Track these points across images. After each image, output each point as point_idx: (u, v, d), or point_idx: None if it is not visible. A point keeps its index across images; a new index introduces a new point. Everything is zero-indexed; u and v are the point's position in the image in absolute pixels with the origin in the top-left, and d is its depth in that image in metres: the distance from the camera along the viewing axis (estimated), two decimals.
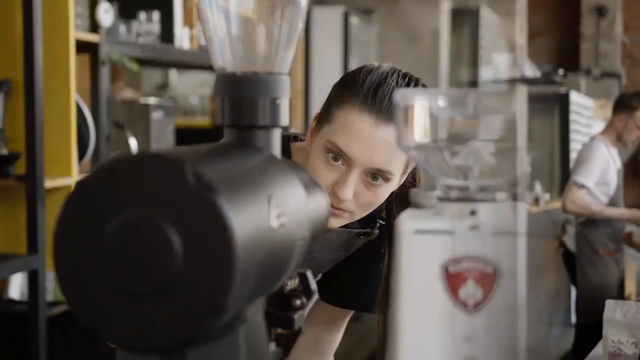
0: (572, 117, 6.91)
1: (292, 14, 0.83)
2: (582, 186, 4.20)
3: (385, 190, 1.28)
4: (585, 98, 7.51)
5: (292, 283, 0.88)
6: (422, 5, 5.38)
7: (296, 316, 0.84)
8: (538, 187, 6.45)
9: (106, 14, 2.66)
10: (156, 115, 2.98)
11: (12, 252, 2.41)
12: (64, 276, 0.63)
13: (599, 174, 4.21)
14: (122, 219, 0.61)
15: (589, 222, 4.25)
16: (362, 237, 1.42)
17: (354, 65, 6.06)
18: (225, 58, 0.83)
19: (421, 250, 0.70)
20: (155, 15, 3.03)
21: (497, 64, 5.15)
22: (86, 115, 2.58)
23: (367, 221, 1.40)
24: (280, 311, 0.85)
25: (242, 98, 0.81)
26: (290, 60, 0.85)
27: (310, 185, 0.86)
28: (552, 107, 6.85)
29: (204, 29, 0.84)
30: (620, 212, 4.36)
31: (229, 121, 0.81)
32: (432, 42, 5.53)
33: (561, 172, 6.89)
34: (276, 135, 0.83)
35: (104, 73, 2.70)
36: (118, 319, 0.62)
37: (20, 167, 2.41)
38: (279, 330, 0.86)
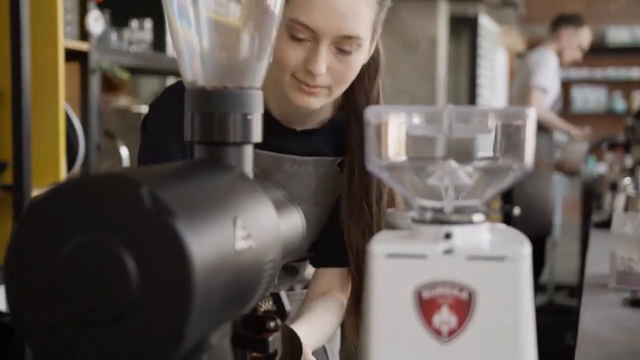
0: (480, 41, 7.02)
1: (264, 25, 0.80)
2: (543, 90, 4.31)
3: (357, 59, 1.25)
4: (492, 23, 7.61)
5: (266, 304, 0.85)
6: (420, 14, 5.36)
7: (270, 339, 0.80)
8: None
9: (96, 22, 2.63)
10: None
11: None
12: (15, 300, 0.60)
13: (552, 80, 4.34)
14: (76, 242, 0.58)
15: None
16: (338, 167, 1.39)
17: None
18: (195, 72, 0.80)
19: (394, 275, 0.67)
20: (148, 23, 3.01)
21: None
22: (75, 124, 2.55)
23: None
24: (253, 334, 0.82)
25: (212, 113, 0.78)
26: (263, 74, 0.82)
27: (283, 203, 0.83)
28: (460, 29, 6.94)
29: (173, 41, 0.81)
30: (565, 124, 4.56)
31: (198, 137, 0.79)
32: (429, 49, 5.50)
33: (468, 96, 7.02)
34: (248, 152, 0.80)
35: (94, 81, 2.67)
36: (72, 346, 0.59)
37: (7, 177, 2.38)
38: (254, 354, 0.83)
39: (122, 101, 3.77)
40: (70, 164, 2.57)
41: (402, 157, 0.72)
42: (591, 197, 4.79)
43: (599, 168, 5.61)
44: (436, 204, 0.70)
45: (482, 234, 0.69)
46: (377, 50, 1.37)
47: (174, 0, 0.79)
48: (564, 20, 4.49)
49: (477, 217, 0.69)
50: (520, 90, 4.43)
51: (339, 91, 1.28)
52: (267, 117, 1.38)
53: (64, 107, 2.48)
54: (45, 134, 2.44)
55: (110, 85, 3.45)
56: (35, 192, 2.38)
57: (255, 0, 0.81)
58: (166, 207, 0.58)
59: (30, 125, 2.33)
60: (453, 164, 0.69)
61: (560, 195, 5.84)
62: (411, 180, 0.72)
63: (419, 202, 0.71)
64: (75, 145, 2.55)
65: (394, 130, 0.70)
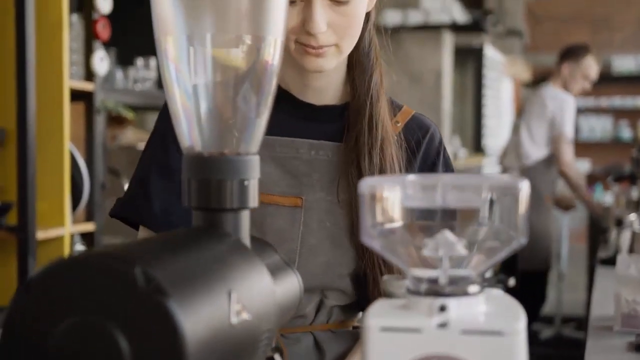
0: (485, 71, 7.05)
1: (264, 81, 0.81)
2: (570, 141, 4.35)
3: (357, 9, 1.20)
4: (497, 53, 7.65)
5: None
6: (425, 46, 5.38)
7: None
8: (457, 141, 6.46)
9: (102, 62, 2.65)
10: None
11: (3, 305, 2.37)
12: None
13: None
14: (69, 323, 0.58)
15: (537, 166, 4.37)
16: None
17: None
18: (192, 138, 0.80)
19: (389, 349, 0.66)
20: (153, 61, 3.03)
21: (426, 8, 5.21)
22: (80, 164, 2.56)
23: None
24: None
25: (209, 180, 0.78)
26: (260, 139, 0.82)
27: (280, 267, 0.83)
28: (466, 60, 6.97)
29: (170, 107, 0.82)
30: (588, 196, 4.61)
31: (195, 203, 0.79)
32: (435, 81, 5.52)
33: (474, 126, 7.04)
34: (245, 218, 0.80)
35: (99, 121, 2.69)
36: None
37: (12, 218, 2.39)
38: None
39: (129, 134, 3.78)
40: (75, 204, 2.57)
41: (397, 227, 0.72)
42: (597, 229, 4.78)
43: (607, 198, 5.60)
44: (431, 273, 0.70)
45: (477, 306, 0.69)
46: (373, 42, 1.33)
47: (171, 66, 0.79)
48: (564, 54, 4.53)
49: (472, 288, 0.69)
50: (545, 133, 4.43)
51: (348, 46, 1.22)
52: (284, 94, 1.35)
53: (69, 147, 2.49)
54: (51, 175, 2.45)
55: (116, 118, 3.47)
56: (40, 234, 2.38)
57: (254, 60, 0.81)
58: (159, 287, 0.58)
59: (36, 166, 2.34)
60: (448, 234, 0.69)
61: (567, 226, 5.83)
62: (405, 250, 0.72)
63: (413, 273, 0.71)
64: (80, 185, 2.56)
65: (388, 202, 0.70)
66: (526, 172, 4.32)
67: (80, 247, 2.73)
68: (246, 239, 0.79)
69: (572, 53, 4.52)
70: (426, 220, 0.72)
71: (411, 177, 0.72)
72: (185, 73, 0.78)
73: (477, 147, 7.22)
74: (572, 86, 4.50)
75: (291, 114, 1.31)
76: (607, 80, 9.85)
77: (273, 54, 0.80)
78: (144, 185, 1.26)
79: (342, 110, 1.33)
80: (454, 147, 6.28)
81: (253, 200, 0.80)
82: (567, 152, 4.35)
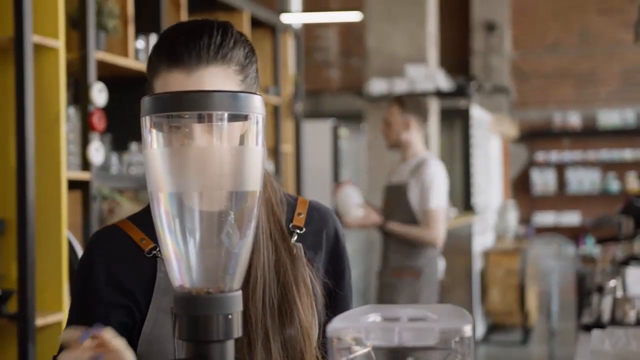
0: (472, 131, 7.17)
1: (242, 233, 0.92)
2: None
3: (235, 131, 1.17)
4: (484, 112, 7.79)
5: None
6: None
7: None
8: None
9: (97, 153, 2.77)
10: None
11: None
12: None
13: None
14: None
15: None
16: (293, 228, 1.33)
17: (344, 174, 6.21)
18: (182, 278, 0.91)
19: None
20: None
21: (411, 77, 5.30)
22: (77, 250, 2.66)
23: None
24: None
25: (197, 316, 0.89)
26: (242, 276, 0.93)
27: None
28: (452, 121, 7.10)
29: (162, 250, 0.93)
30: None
31: (185, 337, 0.90)
32: None
33: (463, 185, 7.15)
34: (230, 347, 0.90)
35: (95, 208, 2.80)
36: None
37: (12, 305, 2.48)
38: None
39: (125, 208, 3.88)
40: None
41: None
42: (584, 288, 4.85)
43: (596, 250, 5.68)
44: None
45: None
46: None
47: (164, 218, 0.91)
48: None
49: None
50: None
51: None
52: None
53: (67, 234, 2.60)
54: (49, 263, 2.55)
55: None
56: (39, 320, 2.47)
57: (238, 209, 0.92)
58: None
59: (35, 254, 2.44)
60: None
61: (556, 283, 5.91)
62: None
63: None
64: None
65: (352, 342, 0.81)
66: None
67: None
68: None
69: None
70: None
71: (375, 323, 0.82)
72: (176, 224, 0.90)
73: (466, 205, 7.35)
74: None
75: None
76: (594, 134, 10.04)
77: (253, 202, 0.91)
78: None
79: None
80: None
81: (237, 330, 0.91)
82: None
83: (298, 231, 1.33)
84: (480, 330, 6.78)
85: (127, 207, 3.74)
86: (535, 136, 10.21)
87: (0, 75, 2.59)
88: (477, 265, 7.14)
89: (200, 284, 0.91)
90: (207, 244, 0.91)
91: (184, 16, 3.65)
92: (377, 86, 5.40)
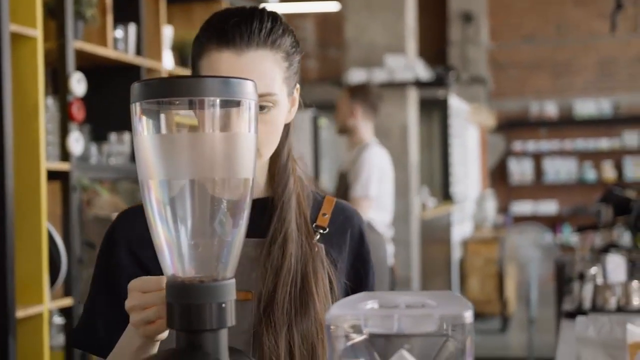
0: (450, 121, 7.22)
1: (235, 222, 0.91)
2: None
3: (277, 117, 1.24)
4: (462, 102, 7.85)
5: None
6: (391, 102, 5.52)
7: None
8: (425, 191, 6.59)
9: (77, 143, 2.74)
10: None
11: None
12: None
13: None
14: None
15: None
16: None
17: (325, 164, 6.21)
18: (175, 267, 0.90)
19: None
20: (126, 136, 3.12)
21: (390, 66, 5.32)
22: (57, 241, 2.63)
23: None
24: None
25: (190, 305, 0.87)
26: (235, 264, 0.92)
27: None
28: (431, 111, 7.15)
29: (154, 239, 0.91)
30: None
31: (178, 326, 0.88)
32: (401, 136, 5.66)
33: (442, 175, 7.21)
34: (223, 336, 0.89)
35: (75, 198, 2.77)
36: None
37: None
38: None
39: (104, 198, 3.84)
40: (53, 280, 2.64)
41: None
42: (563, 276, 4.87)
43: (574, 238, 5.71)
44: None
45: None
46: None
47: (154, 205, 0.89)
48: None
49: None
50: None
51: (267, 152, 1.26)
52: None
53: (47, 226, 2.57)
54: (28, 254, 2.52)
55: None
56: (19, 312, 2.44)
57: (230, 197, 0.90)
58: None
59: (14, 246, 2.40)
60: (405, 354, 0.78)
61: (535, 273, 5.94)
62: None
63: None
64: (58, 262, 2.63)
65: (350, 330, 0.79)
66: None
67: (59, 321, 2.79)
68: (225, 357, 0.88)
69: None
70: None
71: (373, 310, 0.81)
72: (168, 212, 0.88)
73: (445, 195, 7.38)
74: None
75: None
76: (570, 124, 10.11)
77: (246, 190, 0.90)
78: (89, 309, 1.28)
79: (262, 205, 1.32)
80: (422, 197, 6.41)
81: (230, 319, 0.89)
82: None
83: (321, 231, 1.32)
84: None
85: (106, 198, 3.71)
86: (513, 126, 10.27)
87: None
88: (456, 254, 7.18)
89: (193, 272, 0.89)
90: (200, 233, 0.89)
91: (162, 6, 3.61)
92: (356, 76, 5.39)
